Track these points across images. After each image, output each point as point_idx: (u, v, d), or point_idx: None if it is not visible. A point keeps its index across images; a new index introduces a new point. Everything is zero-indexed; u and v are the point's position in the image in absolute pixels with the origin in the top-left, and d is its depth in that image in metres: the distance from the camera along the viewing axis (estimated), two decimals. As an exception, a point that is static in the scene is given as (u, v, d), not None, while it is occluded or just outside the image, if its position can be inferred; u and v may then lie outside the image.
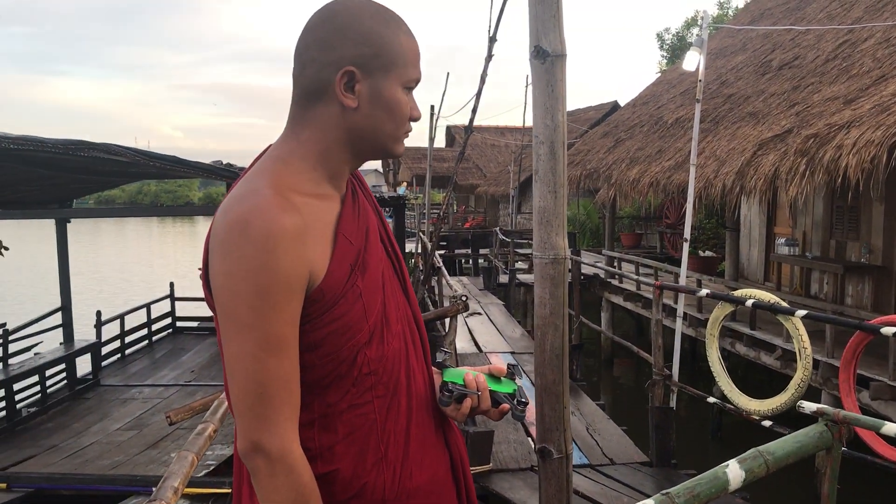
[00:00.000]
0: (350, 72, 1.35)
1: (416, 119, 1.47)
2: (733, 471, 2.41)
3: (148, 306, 11.39)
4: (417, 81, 1.44)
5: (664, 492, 2.19)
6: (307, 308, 1.29)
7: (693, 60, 6.59)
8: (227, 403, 3.55)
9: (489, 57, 6.53)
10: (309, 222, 1.29)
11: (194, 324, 12.43)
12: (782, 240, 11.50)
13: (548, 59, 2.26)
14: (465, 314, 9.16)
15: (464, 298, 5.15)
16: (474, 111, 6.89)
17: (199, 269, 1.45)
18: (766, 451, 2.54)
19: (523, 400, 1.57)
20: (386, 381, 1.41)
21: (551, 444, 2.33)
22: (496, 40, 6.49)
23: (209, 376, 9.47)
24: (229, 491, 4.52)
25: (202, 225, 61.47)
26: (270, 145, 1.46)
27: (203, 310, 12.25)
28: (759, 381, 10.11)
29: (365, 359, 1.37)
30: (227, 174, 5.94)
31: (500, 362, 9.28)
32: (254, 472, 1.27)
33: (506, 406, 1.54)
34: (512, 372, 1.61)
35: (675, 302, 9.22)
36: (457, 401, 1.50)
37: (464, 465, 1.61)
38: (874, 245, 9.58)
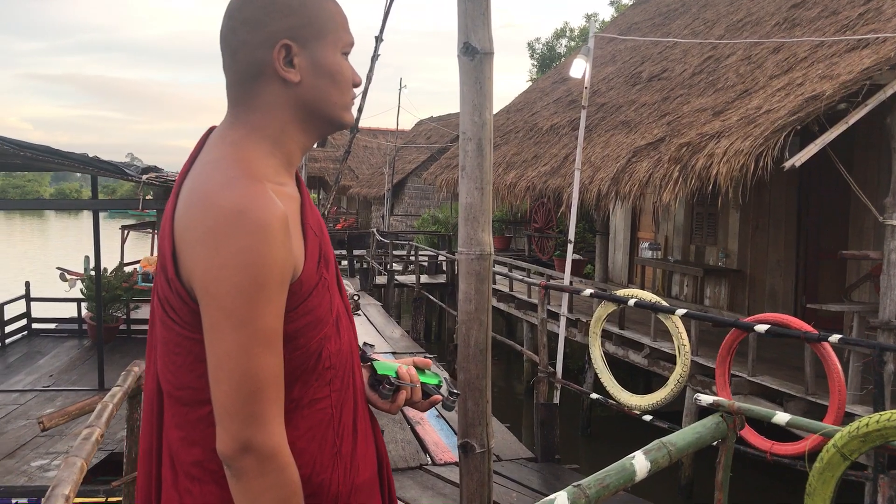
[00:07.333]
0: (286, 45, 1.30)
1: (358, 84, 1.43)
2: (639, 461, 2.50)
3: (0, 307, 10.59)
4: (352, 45, 1.41)
5: (575, 484, 2.24)
6: (286, 300, 1.25)
7: (580, 68, 6.84)
8: (110, 407, 3.37)
9: (375, 56, 6.53)
10: (287, 212, 1.24)
11: (52, 325, 11.65)
12: (646, 244, 12.09)
13: (476, 55, 2.27)
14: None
15: (356, 298, 5.10)
16: (360, 111, 6.85)
17: (140, 265, 1.37)
18: (668, 443, 2.65)
19: (454, 391, 1.61)
20: (342, 375, 1.39)
21: (474, 439, 2.35)
22: (382, 40, 6.51)
23: (69, 381, 8.93)
24: (119, 499, 4.26)
25: (53, 221, 57.71)
26: (212, 128, 1.39)
27: (61, 310, 11.52)
28: (624, 378, 10.56)
29: (327, 352, 1.35)
30: (102, 167, 5.61)
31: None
32: (240, 474, 1.20)
33: (437, 397, 1.56)
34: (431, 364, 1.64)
35: (550, 303, 9.51)
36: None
37: (387, 462, 1.60)
38: (730, 250, 10.24)
